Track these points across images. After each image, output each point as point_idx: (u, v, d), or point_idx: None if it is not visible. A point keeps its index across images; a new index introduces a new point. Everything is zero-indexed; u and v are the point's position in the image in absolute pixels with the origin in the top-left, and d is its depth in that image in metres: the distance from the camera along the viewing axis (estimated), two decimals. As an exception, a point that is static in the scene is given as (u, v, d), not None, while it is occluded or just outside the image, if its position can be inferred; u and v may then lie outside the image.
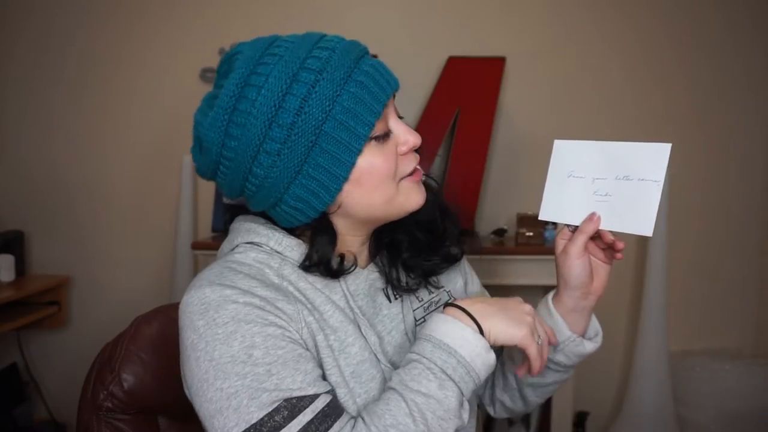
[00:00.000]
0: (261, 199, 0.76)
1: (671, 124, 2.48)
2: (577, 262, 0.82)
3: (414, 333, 0.85)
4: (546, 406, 2.27)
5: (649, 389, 2.28)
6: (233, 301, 0.71)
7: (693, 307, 2.54)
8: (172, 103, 2.50)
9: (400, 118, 0.80)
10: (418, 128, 2.26)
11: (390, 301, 0.85)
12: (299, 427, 0.66)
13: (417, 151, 0.81)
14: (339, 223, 0.80)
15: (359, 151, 0.73)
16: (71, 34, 2.49)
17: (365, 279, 0.83)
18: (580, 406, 2.47)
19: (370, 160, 0.74)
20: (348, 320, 0.78)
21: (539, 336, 0.74)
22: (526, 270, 2.17)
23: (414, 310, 0.86)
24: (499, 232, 2.35)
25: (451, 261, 0.91)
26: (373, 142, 0.75)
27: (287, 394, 0.67)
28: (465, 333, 0.71)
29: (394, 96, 0.79)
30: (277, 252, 0.78)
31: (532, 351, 0.73)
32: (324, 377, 0.74)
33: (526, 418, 2.35)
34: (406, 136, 0.78)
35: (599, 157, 0.80)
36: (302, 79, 0.71)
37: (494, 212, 2.46)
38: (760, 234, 2.53)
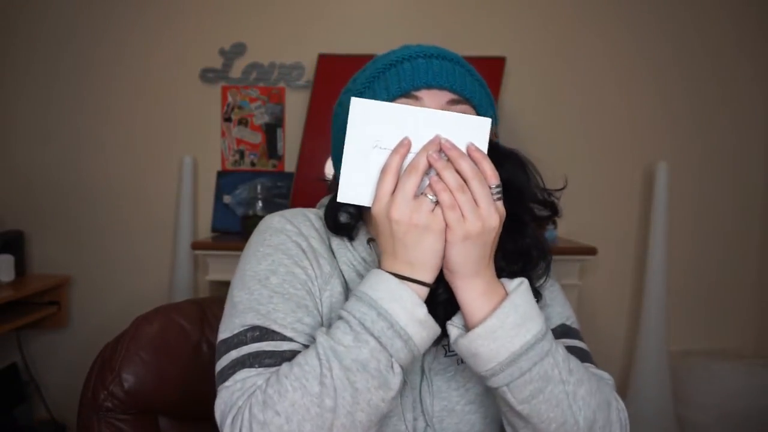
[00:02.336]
0: (335, 158, 0.81)
1: (670, 122, 2.49)
2: None
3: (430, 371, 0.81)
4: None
5: (649, 389, 2.28)
6: (287, 235, 0.78)
7: (693, 307, 2.54)
8: (173, 104, 2.50)
9: None
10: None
11: None
12: (252, 351, 0.69)
13: None
14: None
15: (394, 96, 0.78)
16: (71, 35, 2.49)
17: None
18: (580, 406, 2.47)
19: None
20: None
21: (431, 198, 0.66)
22: (526, 270, 2.17)
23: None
24: (499, 232, 2.35)
25: (533, 268, 0.80)
26: None
27: (271, 325, 0.71)
28: (389, 284, 0.66)
29: (454, 100, 0.77)
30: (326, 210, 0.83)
31: (448, 217, 0.65)
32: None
33: (526, 418, 2.35)
34: None
35: (410, 126, 0.68)
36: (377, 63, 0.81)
37: (494, 212, 2.46)
38: (760, 234, 2.53)
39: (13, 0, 2.48)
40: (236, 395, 0.66)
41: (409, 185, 0.66)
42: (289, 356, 0.68)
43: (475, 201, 0.66)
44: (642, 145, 2.48)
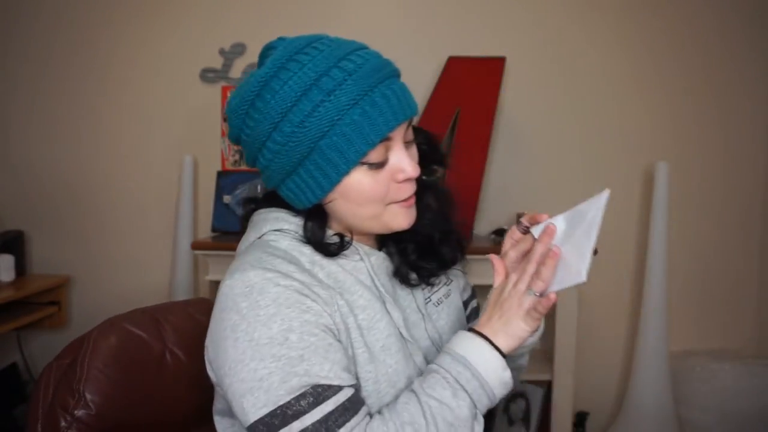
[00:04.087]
0: (267, 178, 0.83)
1: (670, 122, 2.48)
2: (511, 265, 0.85)
3: (425, 309, 0.91)
4: (546, 406, 2.27)
5: (649, 389, 2.28)
6: (275, 284, 0.74)
7: (693, 307, 2.54)
8: (173, 104, 2.50)
9: (411, 143, 0.83)
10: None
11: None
12: (321, 416, 0.70)
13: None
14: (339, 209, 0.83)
15: (346, 173, 0.76)
16: (70, 35, 2.49)
17: (384, 259, 0.89)
18: (580, 406, 2.47)
19: (360, 180, 0.78)
20: (375, 298, 0.83)
21: (534, 292, 0.77)
22: (526, 270, 2.17)
23: (423, 289, 0.93)
24: (499, 232, 2.35)
25: (446, 268, 0.96)
26: (365, 167, 0.77)
27: (315, 381, 0.71)
28: (483, 350, 0.76)
29: (410, 123, 0.81)
30: (307, 237, 0.83)
31: (543, 307, 0.77)
32: (352, 369, 0.78)
33: (526, 418, 2.35)
34: (402, 167, 0.79)
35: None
36: (322, 86, 0.74)
37: (494, 212, 2.46)
38: (760, 234, 2.53)
39: (17, 3, 2.49)
40: None
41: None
42: (349, 405, 0.72)
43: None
44: (642, 145, 2.48)
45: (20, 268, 2.39)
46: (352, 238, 0.84)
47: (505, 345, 0.76)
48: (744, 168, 2.52)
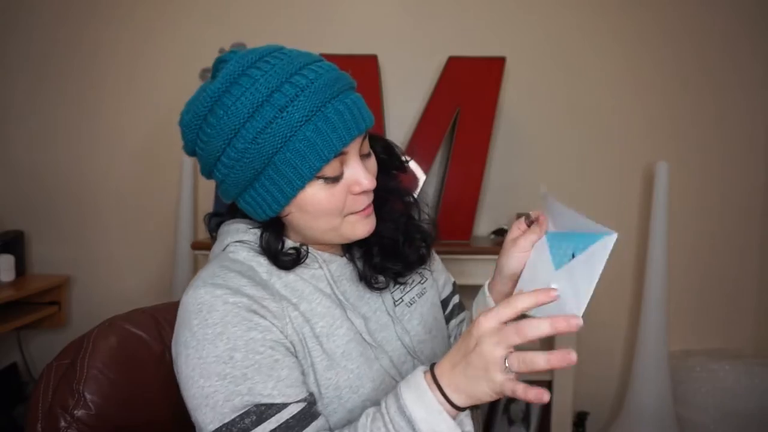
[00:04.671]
0: (224, 192, 0.83)
1: (670, 122, 2.49)
2: (521, 255, 0.84)
3: (394, 312, 0.91)
4: (546, 406, 2.27)
5: (649, 389, 2.28)
6: (224, 302, 0.75)
7: (693, 307, 2.54)
8: (172, 103, 2.49)
9: (368, 155, 0.83)
10: (418, 128, 2.27)
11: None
12: None
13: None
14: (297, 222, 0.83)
15: (301, 188, 0.77)
16: (70, 35, 2.49)
17: (346, 265, 0.90)
18: (580, 406, 2.47)
19: (315, 194, 0.78)
20: (335, 305, 0.83)
21: (509, 369, 0.66)
22: (526, 270, 2.17)
23: (392, 292, 0.93)
24: (499, 232, 2.35)
25: (413, 268, 0.95)
26: (320, 181, 0.78)
27: (258, 399, 0.72)
28: (432, 409, 0.68)
29: (365, 135, 0.81)
30: (266, 248, 0.84)
31: (513, 393, 0.66)
32: (303, 383, 0.78)
33: (526, 418, 2.35)
34: (358, 180, 0.79)
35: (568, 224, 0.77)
36: (274, 102, 0.74)
37: (494, 212, 2.47)
38: (760, 234, 2.53)
39: (16, 1, 2.48)
40: None
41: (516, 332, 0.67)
42: (293, 423, 0.72)
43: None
44: (642, 145, 2.48)
45: (20, 268, 2.39)
46: (308, 250, 0.86)
47: (462, 402, 0.68)
48: (744, 168, 2.52)
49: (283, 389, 0.74)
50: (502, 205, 2.46)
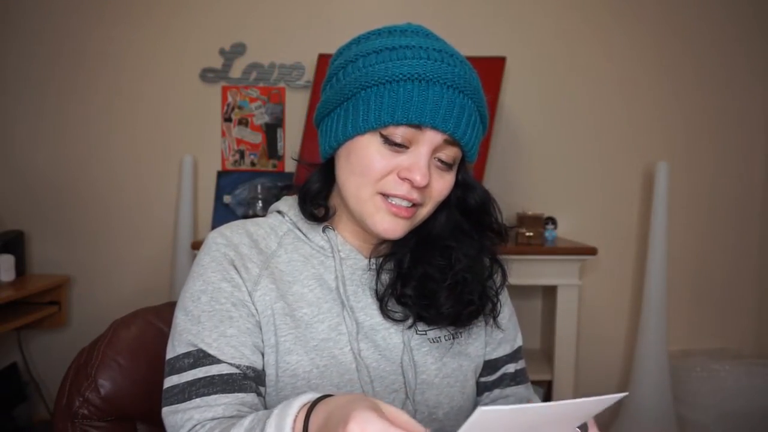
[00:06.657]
0: (317, 116, 0.85)
1: (670, 122, 2.49)
2: None
3: (410, 338, 0.82)
4: (546, 406, 2.27)
5: (649, 389, 2.28)
6: (217, 249, 0.80)
7: (693, 307, 2.54)
8: (173, 104, 2.50)
9: (446, 166, 0.78)
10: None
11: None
12: (190, 378, 0.73)
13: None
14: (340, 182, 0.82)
15: (359, 131, 0.76)
16: (70, 35, 2.49)
17: (365, 269, 0.84)
18: (580, 406, 2.47)
19: (366, 146, 0.76)
20: (331, 300, 0.81)
21: None
22: (526, 270, 2.16)
23: (417, 322, 0.83)
24: (499, 232, 2.35)
25: (440, 324, 0.83)
26: (380, 138, 0.76)
27: (200, 345, 0.75)
28: None
29: (451, 142, 0.76)
30: (293, 221, 0.85)
31: None
32: (250, 351, 0.77)
33: (526, 418, 2.35)
34: (410, 167, 0.75)
35: (536, 419, 0.53)
36: (401, 54, 0.76)
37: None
38: (759, 234, 2.54)
39: (13, 1, 2.49)
40: (178, 427, 0.73)
41: None
42: (217, 381, 0.73)
43: None
44: (642, 145, 2.48)
45: (20, 268, 2.39)
46: (335, 235, 0.84)
47: None
48: (744, 168, 2.52)
49: (222, 346, 0.75)
50: (502, 205, 2.44)
